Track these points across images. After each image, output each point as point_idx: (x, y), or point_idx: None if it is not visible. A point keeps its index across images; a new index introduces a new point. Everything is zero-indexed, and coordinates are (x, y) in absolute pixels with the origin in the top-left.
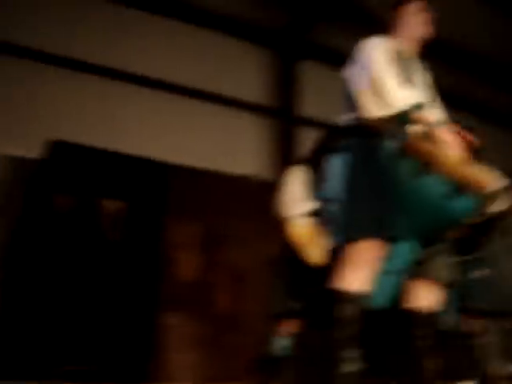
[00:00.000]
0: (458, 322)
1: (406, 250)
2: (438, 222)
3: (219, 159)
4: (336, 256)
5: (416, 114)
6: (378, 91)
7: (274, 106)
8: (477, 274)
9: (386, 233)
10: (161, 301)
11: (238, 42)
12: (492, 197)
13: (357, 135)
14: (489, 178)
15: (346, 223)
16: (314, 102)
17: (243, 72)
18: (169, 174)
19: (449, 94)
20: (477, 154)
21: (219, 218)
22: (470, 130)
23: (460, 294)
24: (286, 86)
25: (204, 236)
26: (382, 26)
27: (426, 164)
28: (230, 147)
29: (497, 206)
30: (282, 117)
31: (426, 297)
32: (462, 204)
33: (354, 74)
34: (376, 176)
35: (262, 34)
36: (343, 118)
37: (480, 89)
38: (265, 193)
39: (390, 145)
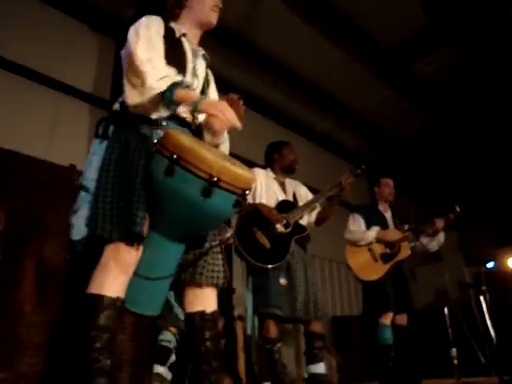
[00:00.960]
0: (258, 327)
1: (173, 254)
2: (199, 222)
3: (41, 145)
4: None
5: (177, 94)
6: (135, 73)
7: (107, 98)
8: (277, 282)
9: (134, 234)
10: None
11: (83, 28)
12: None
13: (117, 121)
14: (244, 175)
15: (90, 219)
16: None
17: (85, 59)
18: None
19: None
20: (290, 167)
21: (28, 206)
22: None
23: (261, 300)
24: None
25: (7, 225)
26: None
27: (182, 159)
28: (55, 134)
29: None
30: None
31: (204, 300)
32: (218, 201)
33: (122, 54)
34: (127, 170)
35: (108, 23)
36: (115, 103)
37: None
38: None
39: (146, 136)
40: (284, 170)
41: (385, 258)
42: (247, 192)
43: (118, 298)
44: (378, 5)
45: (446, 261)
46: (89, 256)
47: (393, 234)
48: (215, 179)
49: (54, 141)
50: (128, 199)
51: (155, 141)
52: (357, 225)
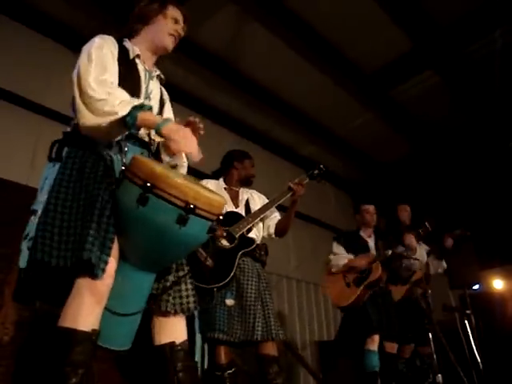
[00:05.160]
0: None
1: (144, 285)
2: (171, 250)
3: (22, 169)
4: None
5: (140, 117)
6: (89, 99)
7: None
8: (223, 303)
9: (92, 263)
10: None
11: (65, 51)
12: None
13: (71, 143)
14: (218, 200)
15: (35, 243)
16: None
17: (66, 82)
18: None
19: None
20: (249, 179)
21: (9, 232)
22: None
23: (205, 324)
24: None
25: None
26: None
27: (156, 187)
28: (36, 158)
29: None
30: None
31: (172, 330)
32: (194, 228)
33: (73, 75)
34: (83, 195)
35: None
36: (71, 124)
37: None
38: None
39: (105, 159)
40: (241, 180)
41: (357, 282)
42: (221, 217)
43: (93, 331)
44: (361, 30)
45: (430, 284)
46: (34, 284)
47: (360, 261)
48: (191, 206)
49: (35, 165)
50: (83, 225)
51: (122, 167)
52: (335, 252)
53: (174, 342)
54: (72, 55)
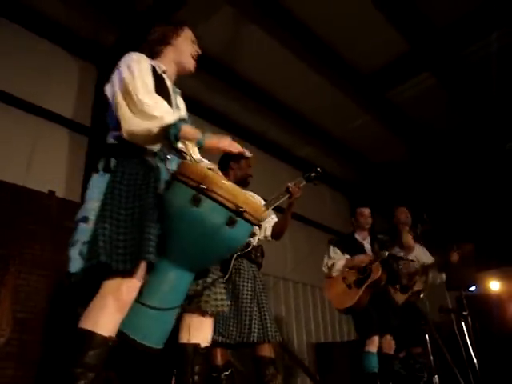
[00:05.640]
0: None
1: (183, 283)
2: (215, 251)
3: (19, 171)
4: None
5: (184, 130)
6: (137, 105)
7: (88, 124)
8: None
9: (145, 262)
10: None
11: (64, 53)
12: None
13: (118, 154)
14: (262, 208)
15: (94, 249)
16: None
17: (65, 84)
18: None
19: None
20: (245, 179)
21: (5, 233)
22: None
23: None
24: (103, 105)
25: None
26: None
27: (209, 189)
28: (34, 160)
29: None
30: (94, 136)
31: (201, 331)
32: (240, 231)
33: (111, 89)
34: (137, 201)
35: (89, 49)
36: (108, 138)
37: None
38: (63, 212)
39: (153, 167)
40: (238, 181)
41: (358, 283)
42: (261, 224)
43: (110, 338)
44: (358, 32)
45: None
46: (83, 290)
47: (362, 258)
48: (241, 209)
49: (33, 166)
50: (141, 230)
51: (171, 172)
52: (332, 257)
53: (198, 345)
54: (71, 58)
